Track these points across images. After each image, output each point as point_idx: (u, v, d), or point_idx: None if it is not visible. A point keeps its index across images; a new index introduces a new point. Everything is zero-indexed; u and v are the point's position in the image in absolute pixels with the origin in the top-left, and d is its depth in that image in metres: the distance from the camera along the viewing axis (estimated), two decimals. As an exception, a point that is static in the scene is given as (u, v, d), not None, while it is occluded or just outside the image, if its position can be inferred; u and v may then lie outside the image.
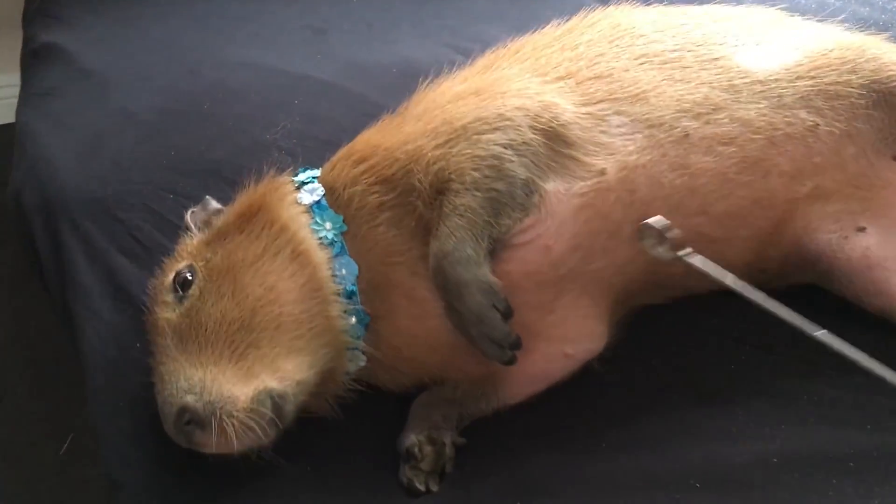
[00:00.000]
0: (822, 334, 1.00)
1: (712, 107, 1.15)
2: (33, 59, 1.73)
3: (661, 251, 1.06)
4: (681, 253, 1.06)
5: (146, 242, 1.31)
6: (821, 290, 1.20)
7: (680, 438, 1.10)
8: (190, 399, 1.01)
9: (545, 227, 1.10)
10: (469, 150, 1.09)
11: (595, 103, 1.14)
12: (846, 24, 1.29)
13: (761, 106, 1.15)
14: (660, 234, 1.05)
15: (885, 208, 1.18)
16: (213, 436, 1.00)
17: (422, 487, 1.07)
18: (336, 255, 1.12)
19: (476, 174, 1.08)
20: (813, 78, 1.17)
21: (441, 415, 1.14)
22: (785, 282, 1.20)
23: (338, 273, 1.12)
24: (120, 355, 1.20)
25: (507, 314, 1.07)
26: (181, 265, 1.13)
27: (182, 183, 1.39)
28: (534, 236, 1.10)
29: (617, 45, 1.21)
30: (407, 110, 1.22)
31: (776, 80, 1.16)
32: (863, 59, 1.19)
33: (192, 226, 1.19)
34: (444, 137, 1.11)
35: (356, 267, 1.13)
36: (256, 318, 1.06)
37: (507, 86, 1.16)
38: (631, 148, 1.12)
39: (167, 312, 1.10)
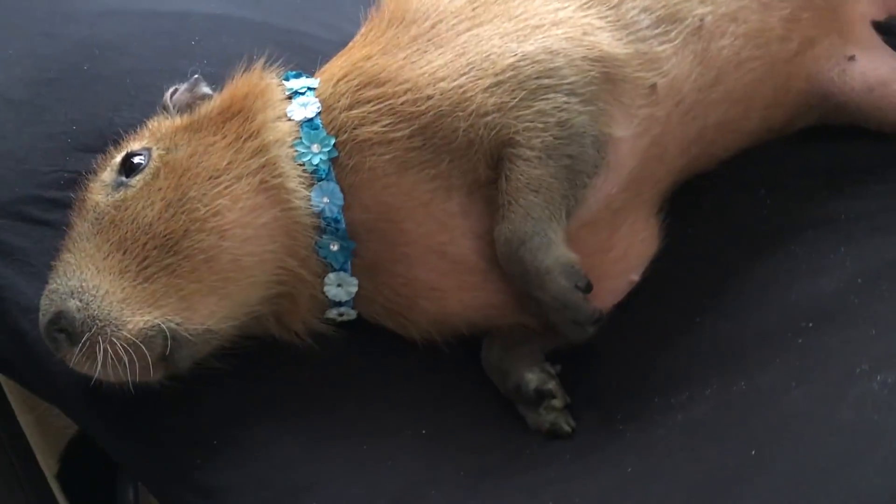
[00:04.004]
0: None
1: None
2: None
3: None
4: None
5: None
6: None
7: (760, 292, 1.08)
8: (72, 305, 0.90)
9: (608, 178, 1.01)
10: (531, 104, 0.96)
11: (619, 4, 1.05)
12: None
13: None
14: None
15: (853, 27, 1.22)
16: (78, 355, 0.90)
17: (567, 427, 0.99)
18: (319, 181, 0.98)
19: (547, 136, 0.96)
20: None
21: (528, 350, 1.04)
22: (791, 130, 1.21)
23: (316, 201, 0.97)
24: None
25: (588, 289, 0.98)
26: (138, 145, 1.00)
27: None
28: (596, 190, 1.01)
29: None
30: (400, 20, 1.05)
31: None
32: None
33: (171, 106, 1.04)
34: (490, 79, 0.97)
35: (342, 196, 0.98)
36: (185, 241, 0.93)
37: (534, 6, 1.03)
38: (669, 52, 1.05)
39: (99, 194, 0.97)
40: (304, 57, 1.18)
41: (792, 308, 1.05)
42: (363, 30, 1.11)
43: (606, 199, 1.03)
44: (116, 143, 1.05)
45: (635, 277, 1.08)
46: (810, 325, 1.02)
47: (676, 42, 1.05)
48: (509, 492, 0.91)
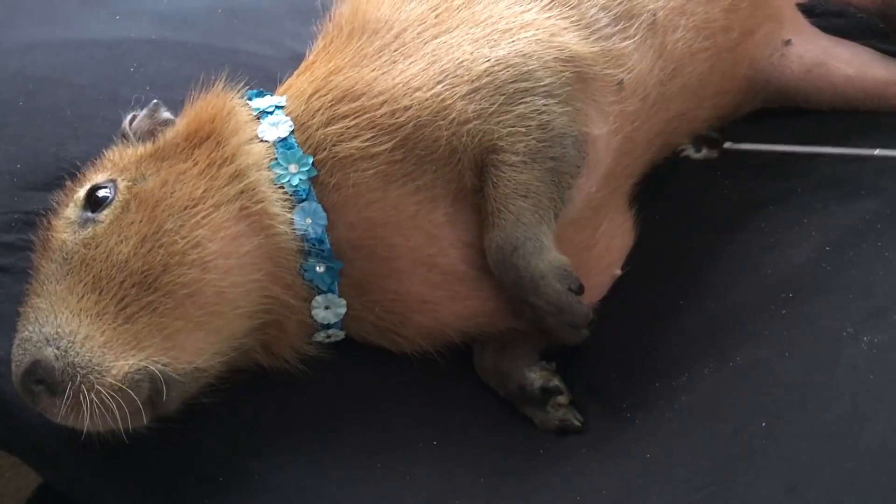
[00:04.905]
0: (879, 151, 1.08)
1: None
2: None
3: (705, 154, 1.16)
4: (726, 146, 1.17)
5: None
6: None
7: (736, 269, 1.11)
8: (50, 353, 0.85)
9: (589, 176, 1.02)
10: (511, 108, 0.96)
11: (578, 4, 1.06)
12: None
13: None
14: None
15: (784, 12, 1.28)
16: (62, 408, 0.84)
17: (577, 422, 0.99)
18: (300, 203, 0.95)
19: (530, 140, 0.96)
20: None
21: (522, 351, 1.04)
22: (737, 116, 1.26)
23: (299, 223, 0.95)
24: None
25: (581, 291, 0.98)
26: (102, 177, 0.93)
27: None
28: (579, 190, 1.02)
29: None
30: (361, 31, 1.03)
31: None
32: None
33: (131, 134, 0.98)
34: (467, 86, 0.96)
35: (325, 216, 0.96)
36: (165, 277, 0.89)
37: (497, 10, 1.03)
38: (631, 48, 1.06)
39: (65, 233, 0.92)
40: (248, 75, 1.15)
41: (770, 281, 1.08)
42: (321, 44, 1.09)
43: (587, 198, 1.04)
44: (73, 177, 0.99)
45: (618, 271, 1.10)
46: (790, 295, 1.05)
47: (636, 38, 1.07)
48: (532, 492, 0.90)
